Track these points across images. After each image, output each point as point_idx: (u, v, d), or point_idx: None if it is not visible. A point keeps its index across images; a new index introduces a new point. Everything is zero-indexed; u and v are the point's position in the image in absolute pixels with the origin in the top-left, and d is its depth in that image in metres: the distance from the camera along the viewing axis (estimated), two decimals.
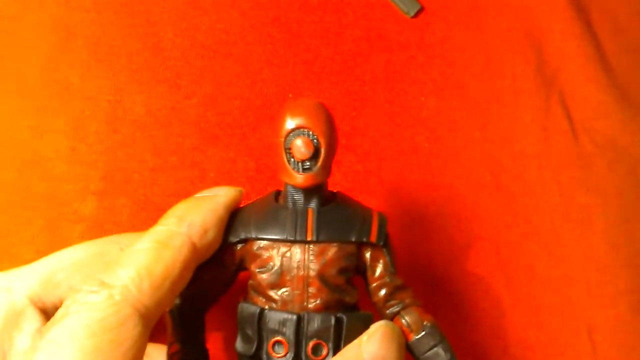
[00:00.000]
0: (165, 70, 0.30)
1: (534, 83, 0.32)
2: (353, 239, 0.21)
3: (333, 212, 0.21)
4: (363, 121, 0.30)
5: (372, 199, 0.30)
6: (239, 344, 0.21)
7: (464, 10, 0.32)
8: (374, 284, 0.21)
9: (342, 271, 0.20)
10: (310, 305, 0.20)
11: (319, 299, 0.20)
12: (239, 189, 0.22)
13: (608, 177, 0.31)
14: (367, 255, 0.21)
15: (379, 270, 0.21)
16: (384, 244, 0.21)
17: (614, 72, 0.33)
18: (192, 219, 0.20)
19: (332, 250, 0.20)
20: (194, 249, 0.19)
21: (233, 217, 0.21)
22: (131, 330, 0.17)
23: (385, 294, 0.21)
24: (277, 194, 0.22)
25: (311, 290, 0.20)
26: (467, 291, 0.29)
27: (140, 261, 0.18)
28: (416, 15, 0.32)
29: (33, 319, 0.20)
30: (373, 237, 0.21)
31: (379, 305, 0.21)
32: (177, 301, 0.21)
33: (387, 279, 0.21)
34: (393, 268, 0.21)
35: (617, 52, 0.33)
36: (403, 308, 0.21)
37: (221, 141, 0.29)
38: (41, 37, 0.29)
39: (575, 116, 0.32)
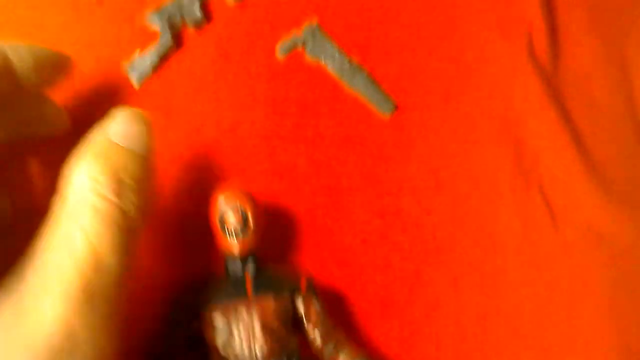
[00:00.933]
0: None
1: (512, 175, 0.32)
2: (286, 291, 0.26)
3: (267, 274, 0.26)
4: (342, 226, 0.30)
5: (356, 305, 0.30)
6: None
7: (438, 105, 0.32)
8: (309, 328, 0.26)
9: (282, 321, 0.25)
10: (258, 354, 0.24)
11: (265, 348, 0.24)
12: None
13: (591, 267, 0.31)
14: (300, 304, 0.26)
15: (312, 315, 0.26)
16: (313, 292, 0.26)
17: (592, 159, 0.33)
18: None
19: (270, 303, 0.25)
20: None
21: (181, 303, 0.26)
22: None
23: (321, 335, 0.26)
24: (217, 273, 0.27)
25: (257, 341, 0.24)
26: None
27: None
28: (392, 114, 0.32)
29: None
30: (303, 289, 0.26)
31: (316, 346, 0.26)
32: None
33: (319, 322, 0.26)
34: (323, 312, 0.26)
35: (595, 138, 0.33)
36: (338, 344, 0.26)
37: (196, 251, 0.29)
38: None
39: (556, 206, 0.32)
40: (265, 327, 0.24)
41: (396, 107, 0.32)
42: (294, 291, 0.26)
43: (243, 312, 0.25)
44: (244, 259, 0.26)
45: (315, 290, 0.27)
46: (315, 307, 0.26)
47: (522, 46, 0.33)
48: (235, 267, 0.26)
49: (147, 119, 0.22)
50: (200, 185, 0.30)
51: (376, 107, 0.31)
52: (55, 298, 0.17)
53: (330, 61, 0.31)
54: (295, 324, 0.26)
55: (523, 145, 0.32)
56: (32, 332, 0.17)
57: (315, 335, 0.26)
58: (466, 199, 0.32)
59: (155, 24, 0.30)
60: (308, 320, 0.26)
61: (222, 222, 0.26)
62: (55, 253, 0.18)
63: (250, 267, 0.26)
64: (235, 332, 0.24)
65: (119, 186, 0.19)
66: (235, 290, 0.25)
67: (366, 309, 0.30)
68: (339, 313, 0.29)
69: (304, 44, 0.31)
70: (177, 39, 0.31)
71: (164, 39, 0.30)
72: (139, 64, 0.30)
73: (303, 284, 0.27)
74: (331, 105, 0.31)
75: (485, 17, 0.33)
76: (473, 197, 0.32)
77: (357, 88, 0.31)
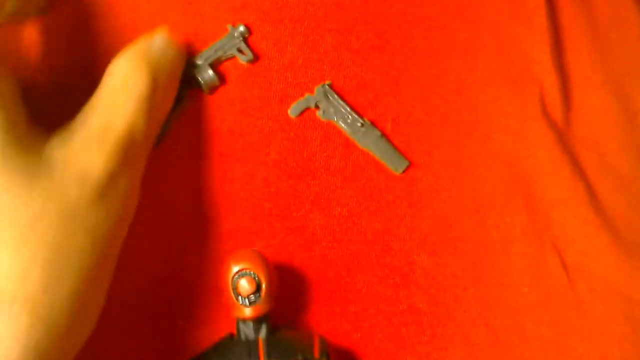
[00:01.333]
0: None
1: (525, 231, 0.32)
2: (300, 357, 0.25)
3: (280, 338, 0.26)
4: (355, 286, 0.31)
5: None
6: None
7: (451, 161, 0.32)
8: None
9: None
10: None
11: None
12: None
13: (606, 324, 0.31)
14: None
15: None
16: (327, 357, 0.26)
17: (606, 212, 0.33)
18: None
19: None
20: None
21: None
22: None
23: None
24: (231, 334, 0.27)
25: None
26: None
27: None
28: (404, 171, 0.32)
29: None
30: (316, 353, 0.26)
31: None
32: None
33: None
34: None
35: (608, 193, 0.33)
36: None
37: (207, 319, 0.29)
38: None
39: (570, 262, 0.32)
40: None
41: (409, 165, 0.32)
42: (306, 354, 0.26)
43: None
44: (256, 324, 0.26)
45: (329, 355, 0.27)
46: None
47: (534, 101, 0.33)
48: (248, 331, 0.26)
49: (176, 42, 0.28)
50: (211, 248, 0.30)
51: (389, 165, 0.32)
52: (103, 148, 0.23)
53: (342, 121, 0.31)
54: None
55: (536, 201, 0.32)
56: (83, 172, 0.22)
57: None
58: (479, 256, 0.32)
59: None
60: None
61: (235, 289, 0.26)
62: (103, 117, 0.23)
63: (263, 331, 0.26)
64: None
65: (155, 82, 0.25)
66: (248, 356, 0.25)
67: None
68: None
69: (316, 104, 0.31)
70: (193, 100, 0.31)
71: (180, 101, 0.30)
72: None
73: (316, 348, 0.26)
74: (343, 163, 0.32)
75: (497, 73, 0.33)
76: (486, 254, 0.32)
77: (370, 147, 0.32)
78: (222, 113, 0.31)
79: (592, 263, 0.32)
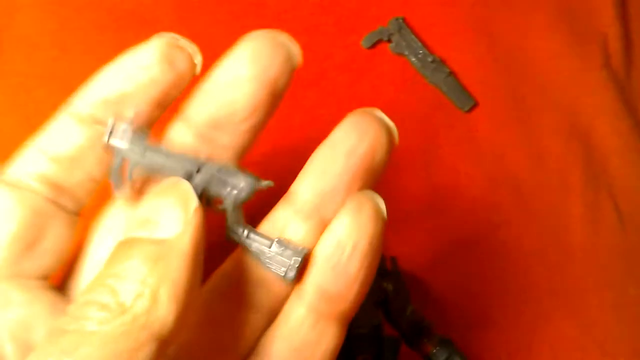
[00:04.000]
0: None
1: (582, 177, 0.33)
2: None
3: None
4: (421, 215, 0.31)
5: (434, 287, 0.30)
6: None
7: (514, 105, 0.33)
8: (393, 308, 0.26)
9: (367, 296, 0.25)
10: None
11: None
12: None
13: None
14: (386, 283, 0.26)
15: (396, 295, 0.26)
16: (398, 274, 0.26)
17: None
18: None
19: None
20: None
21: None
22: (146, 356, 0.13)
23: (404, 316, 0.26)
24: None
25: None
26: None
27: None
28: (470, 110, 0.32)
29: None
30: (389, 268, 0.26)
31: (399, 325, 0.26)
32: None
33: (403, 302, 0.26)
34: (407, 293, 0.26)
35: None
36: (420, 326, 0.26)
37: None
38: None
39: (625, 209, 0.33)
40: None
41: (475, 105, 0.32)
42: (380, 271, 0.26)
43: None
44: None
45: (400, 272, 0.27)
46: (400, 287, 0.26)
47: (596, 53, 0.34)
48: None
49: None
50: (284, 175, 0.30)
51: (455, 102, 0.32)
52: None
53: (413, 55, 0.32)
54: (379, 302, 0.26)
55: (593, 150, 0.33)
56: None
57: (398, 315, 0.26)
58: (537, 198, 0.32)
59: None
60: (393, 299, 0.26)
61: None
62: None
63: None
64: None
65: None
66: None
67: (442, 292, 0.30)
68: (418, 293, 0.30)
69: (389, 37, 0.32)
70: None
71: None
72: None
73: (388, 264, 0.27)
74: (411, 97, 0.32)
75: (561, 24, 0.34)
76: (543, 196, 0.32)
77: (438, 83, 0.32)
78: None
79: None
